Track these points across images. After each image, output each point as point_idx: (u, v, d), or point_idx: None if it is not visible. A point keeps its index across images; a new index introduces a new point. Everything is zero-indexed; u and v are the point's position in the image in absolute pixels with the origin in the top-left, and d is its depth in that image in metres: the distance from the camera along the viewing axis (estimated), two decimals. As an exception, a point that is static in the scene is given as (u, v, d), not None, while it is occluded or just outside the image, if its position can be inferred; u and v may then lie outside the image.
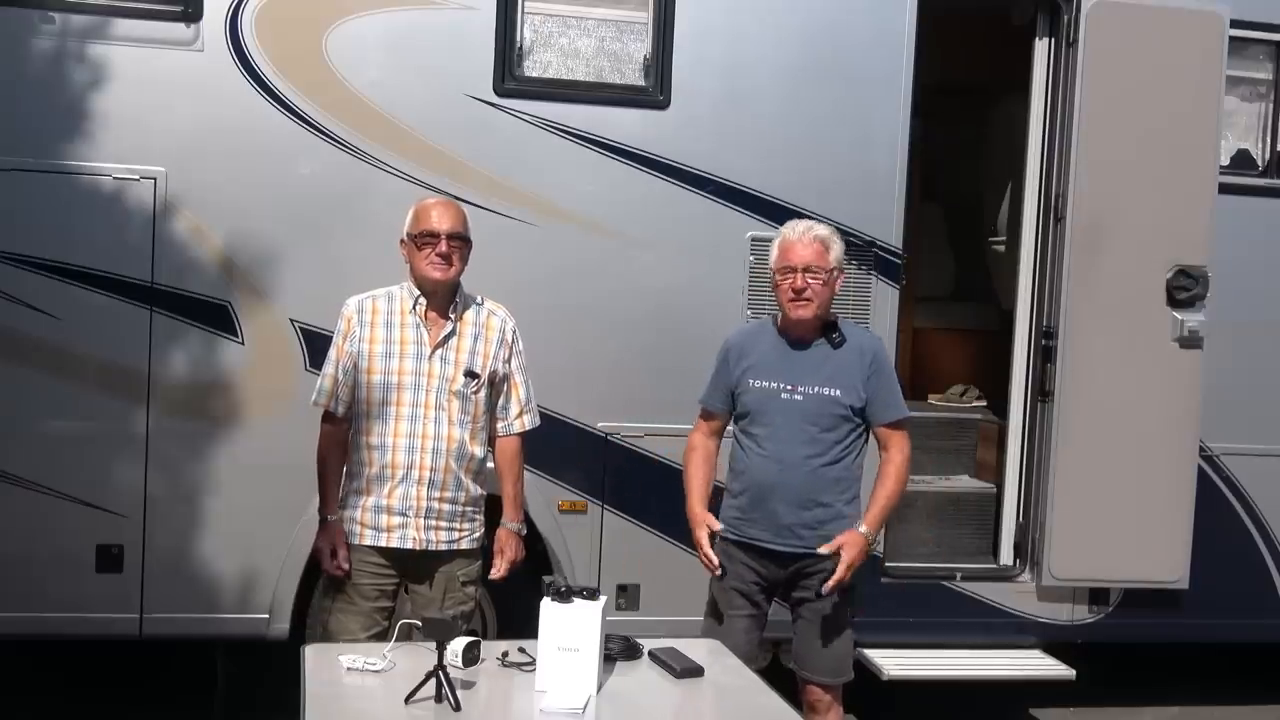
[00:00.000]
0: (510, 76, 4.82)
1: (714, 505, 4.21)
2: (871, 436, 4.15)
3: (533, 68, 4.87)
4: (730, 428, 4.20)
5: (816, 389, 4.02)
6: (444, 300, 3.93)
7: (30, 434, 4.60)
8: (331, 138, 4.71)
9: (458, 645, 3.14)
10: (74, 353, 4.59)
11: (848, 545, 3.94)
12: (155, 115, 4.59)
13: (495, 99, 4.82)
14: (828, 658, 4.11)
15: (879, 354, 4.11)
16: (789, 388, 4.04)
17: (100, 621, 4.66)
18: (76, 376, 4.60)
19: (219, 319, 4.67)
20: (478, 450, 3.98)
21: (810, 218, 4.63)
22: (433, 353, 3.90)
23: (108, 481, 4.63)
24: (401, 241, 3.95)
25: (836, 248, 4.07)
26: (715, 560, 4.04)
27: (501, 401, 4.05)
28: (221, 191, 4.65)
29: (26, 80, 4.53)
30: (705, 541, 4.07)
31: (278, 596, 4.72)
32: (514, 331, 4.04)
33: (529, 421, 4.11)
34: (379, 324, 3.91)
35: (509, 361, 4.02)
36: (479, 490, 4.01)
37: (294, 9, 4.69)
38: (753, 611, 4.13)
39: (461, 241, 3.90)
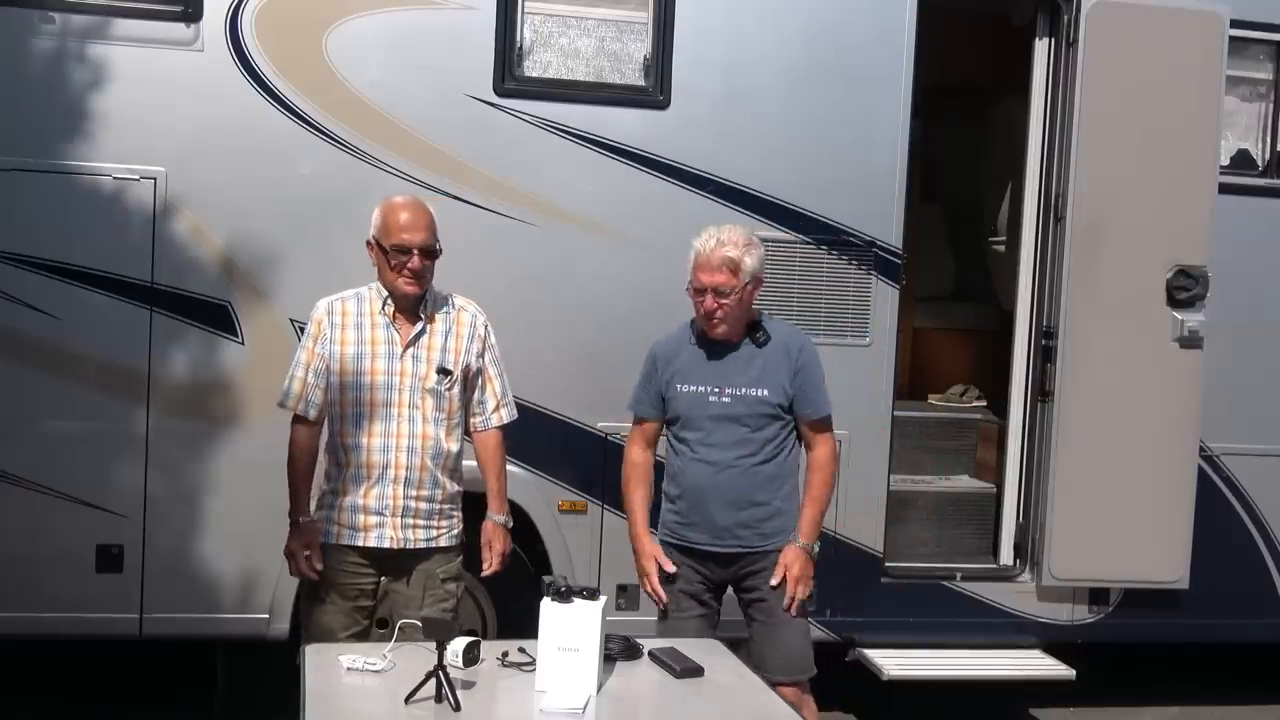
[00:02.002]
0: (510, 76, 4.82)
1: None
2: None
3: (533, 68, 4.87)
4: (663, 433, 4.20)
5: (744, 390, 4.02)
6: (414, 300, 3.91)
7: (30, 434, 4.60)
8: (331, 138, 4.71)
9: (458, 645, 3.14)
10: (74, 353, 4.59)
11: (790, 564, 3.98)
12: (155, 115, 4.59)
13: (495, 99, 4.82)
14: (786, 655, 4.09)
15: (805, 351, 4.09)
16: (717, 390, 4.03)
17: (100, 621, 4.66)
18: (76, 376, 4.60)
19: (219, 319, 4.67)
20: (453, 447, 3.95)
21: (805, 217, 4.63)
22: (404, 351, 3.87)
23: (108, 481, 4.63)
24: (369, 244, 3.90)
25: (749, 261, 3.97)
26: (664, 598, 4.05)
27: (477, 396, 4.01)
28: (221, 191, 4.65)
29: (26, 80, 4.53)
30: (654, 575, 4.05)
31: (278, 596, 4.71)
32: (485, 325, 4.01)
33: (506, 415, 4.07)
34: (349, 325, 3.88)
35: (482, 355, 3.98)
36: (456, 487, 3.98)
37: (294, 9, 4.69)
38: (703, 611, 4.13)
39: (434, 256, 3.86)
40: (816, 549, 4.06)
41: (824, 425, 4.10)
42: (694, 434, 4.05)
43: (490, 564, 4.03)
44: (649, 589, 4.07)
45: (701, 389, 4.05)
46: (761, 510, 4.03)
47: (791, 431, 4.10)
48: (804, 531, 4.03)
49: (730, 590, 4.18)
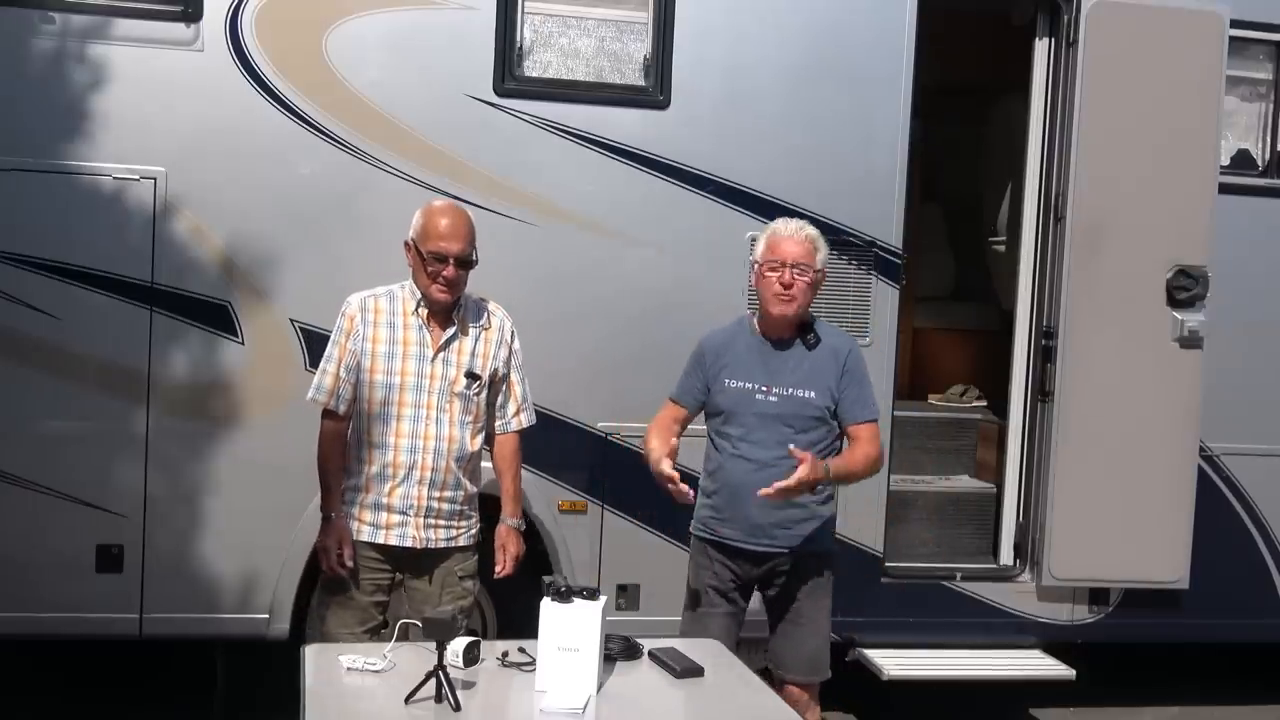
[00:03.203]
0: (510, 76, 4.82)
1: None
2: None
3: (533, 68, 4.87)
4: (704, 426, 4.18)
5: (791, 390, 4.02)
6: (447, 305, 3.94)
7: (30, 434, 4.60)
8: (331, 138, 4.71)
9: (458, 645, 3.13)
10: (74, 353, 4.59)
11: (807, 462, 3.76)
12: (155, 115, 4.59)
13: (495, 99, 4.82)
14: (804, 656, 4.11)
15: (852, 354, 4.10)
16: (764, 389, 4.03)
17: (100, 621, 4.66)
18: (76, 376, 4.60)
19: (219, 319, 4.67)
20: (476, 449, 4.01)
21: (805, 217, 4.62)
22: (435, 355, 3.91)
23: (108, 481, 4.63)
24: (406, 245, 3.93)
25: (823, 250, 4.09)
26: (676, 476, 3.84)
27: (500, 400, 4.07)
28: (221, 191, 4.65)
29: (26, 80, 4.53)
30: (667, 465, 3.85)
31: (278, 596, 4.71)
32: (512, 332, 4.07)
33: (526, 419, 4.13)
34: (381, 324, 3.92)
35: (508, 361, 4.04)
36: (475, 488, 4.03)
37: (294, 9, 4.69)
38: (730, 609, 4.13)
39: (470, 265, 3.90)
40: (829, 482, 3.93)
41: (869, 428, 4.05)
42: (737, 430, 4.05)
43: (504, 566, 4.07)
44: (664, 479, 3.86)
45: (749, 385, 4.05)
46: (799, 512, 4.01)
47: (837, 438, 4.09)
48: (834, 461, 3.95)
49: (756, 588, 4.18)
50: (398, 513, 3.91)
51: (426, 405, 3.89)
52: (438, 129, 4.78)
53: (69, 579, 4.60)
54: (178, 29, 4.60)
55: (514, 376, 4.08)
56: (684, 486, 3.88)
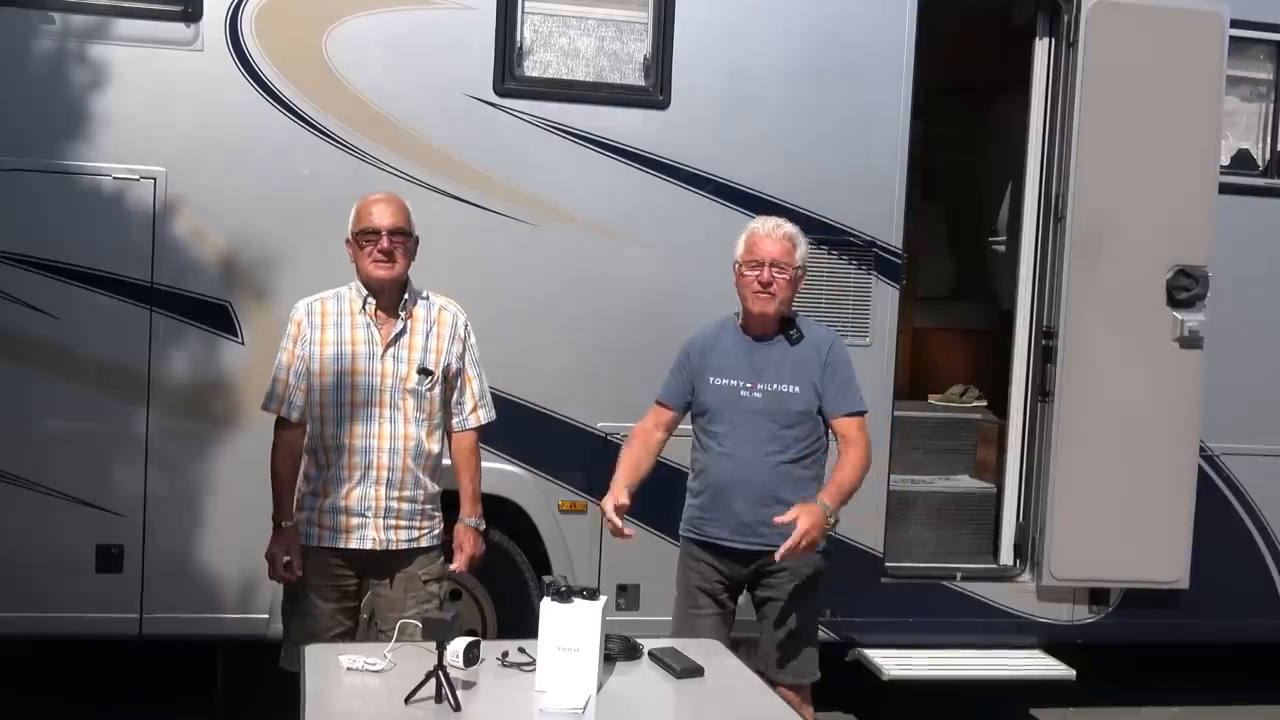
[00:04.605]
0: (510, 76, 4.82)
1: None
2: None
3: (533, 68, 4.87)
4: (690, 426, 4.18)
5: (775, 386, 4.02)
6: (393, 298, 3.87)
7: (30, 434, 4.60)
8: (331, 138, 4.71)
9: (458, 645, 3.13)
10: (74, 353, 4.59)
11: (804, 514, 3.71)
12: (155, 115, 4.60)
13: (495, 99, 4.82)
14: (793, 658, 4.10)
15: (834, 347, 4.10)
16: (748, 385, 4.03)
17: (100, 621, 4.66)
18: (76, 376, 4.60)
19: (219, 319, 4.68)
20: (434, 447, 3.93)
21: (805, 218, 4.65)
22: (385, 352, 3.85)
23: (108, 481, 4.63)
24: (346, 242, 3.90)
25: (802, 246, 4.09)
26: (619, 524, 3.85)
27: (456, 396, 3.98)
28: (221, 191, 4.66)
29: (26, 80, 4.53)
30: (609, 508, 3.87)
31: (277, 596, 4.68)
32: (466, 326, 3.99)
33: (484, 416, 4.05)
34: (329, 325, 3.86)
35: (462, 356, 3.96)
36: (436, 487, 3.96)
37: (294, 9, 4.69)
38: (718, 610, 4.12)
39: (404, 236, 3.84)
40: (835, 521, 3.88)
41: (855, 422, 4.04)
42: (722, 428, 4.04)
43: (460, 566, 4.02)
44: (605, 523, 3.91)
45: (733, 383, 4.05)
46: (786, 509, 3.94)
47: (823, 434, 4.08)
48: (827, 494, 3.86)
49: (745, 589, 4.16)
50: (356, 515, 3.84)
51: (379, 404, 3.83)
52: (438, 129, 4.78)
53: (69, 579, 4.61)
54: (178, 29, 4.60)
55: (470, 371, 3.99)
56: (628, 530, 3.88)
